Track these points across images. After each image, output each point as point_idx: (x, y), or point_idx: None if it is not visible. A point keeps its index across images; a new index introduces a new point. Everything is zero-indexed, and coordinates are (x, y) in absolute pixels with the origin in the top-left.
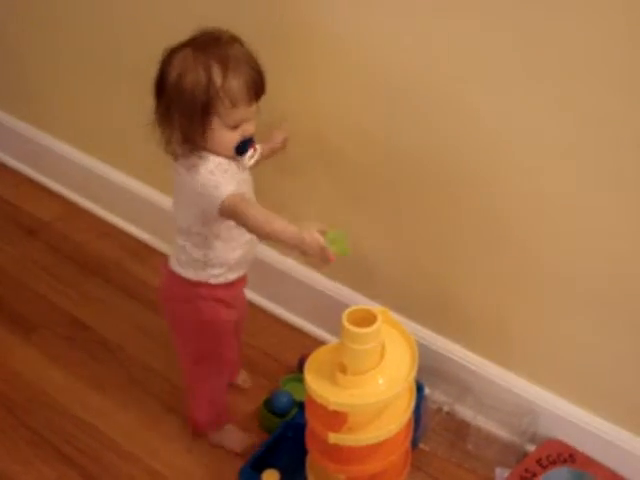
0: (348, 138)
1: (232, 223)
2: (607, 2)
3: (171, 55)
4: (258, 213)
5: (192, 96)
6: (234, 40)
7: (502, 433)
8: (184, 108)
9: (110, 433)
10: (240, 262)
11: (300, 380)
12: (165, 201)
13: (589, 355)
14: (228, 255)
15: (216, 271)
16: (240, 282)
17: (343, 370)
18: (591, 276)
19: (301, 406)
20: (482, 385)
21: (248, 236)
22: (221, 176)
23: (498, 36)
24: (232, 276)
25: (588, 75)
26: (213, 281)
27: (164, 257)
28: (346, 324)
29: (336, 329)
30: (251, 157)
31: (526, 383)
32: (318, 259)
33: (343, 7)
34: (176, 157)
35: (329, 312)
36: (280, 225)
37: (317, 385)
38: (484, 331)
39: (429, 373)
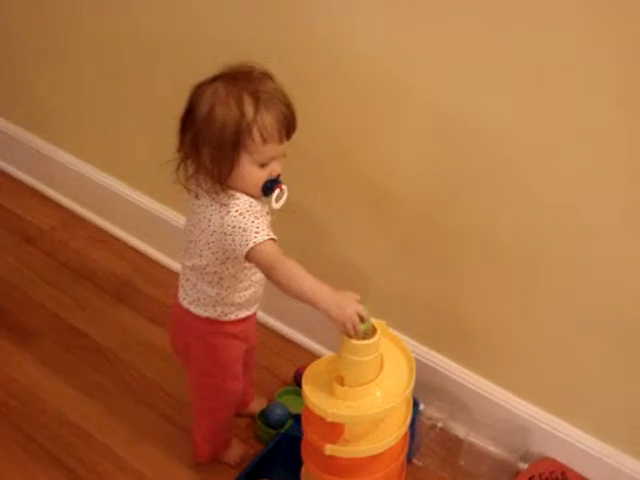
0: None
1: (248, 263)
2: None
3: (201, 89)
4: (292, 268)
5: (222, 129)
6: (265, 75)
7: (495, 450)
8: (213, 141)
9: (106, 441)
10: (251, 300)
11: (295, 393)
12: (164, 212)
13: (583, 374)
14: (240, 293)
15: (228, 309)
16: (251, 317)
17: (341, 382)
18: (588, 298)
19: (296, 418)
20: (476, 402)
21: (260, 274)
22: (253, 219)
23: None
24: (243, 314)
25: None
26: (224, 318)
27: (161, 267)
28: (345, 336)
29: (332, 343)
30: (278, 198)
31: (520, 400)
32: (343, 330)
33: (411, 50)
34: (197, 193)
35: (326, 326)
36: (314, 285)
37: (315, 396)
38: (479, 348)
39: (424, 389)
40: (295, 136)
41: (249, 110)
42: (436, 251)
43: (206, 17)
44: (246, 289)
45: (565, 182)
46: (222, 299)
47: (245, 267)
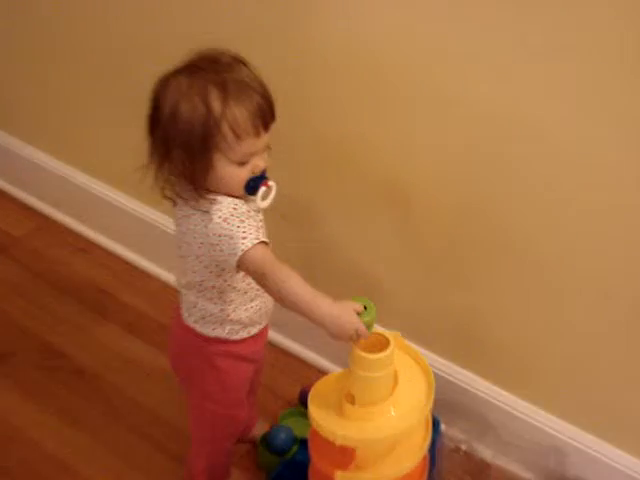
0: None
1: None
2: None
3: (164, 84)
4: (284, 274)
5: (189, 129)
6: (236, 61)
7: (526, 475)
8: (181, 143)
9: (91, 475)
10: (260, 312)
11: (301, 414)
12: (151, 215)
13: (623, 389)
14: (247, 306)
15: (236, 326)
16: (262, 334)
17: (351, 400)
18: (627, 307)
19: (302, 443)
20: (504, 421)
21: None
22: (238, 223)
23: None
24: (254, 329)
25: None
26: (234, 337)
27: (148, 277)
28: (355, 349)
29: (340, 358)
30: (264, 197)
31: (553, 418)
32: (345, 340)
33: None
34: (175, 201)
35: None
36: (308, 294)
37: (322, 417)
38: (506, 361)
39: (445, 407)
40: (297, 128)
41: (216, 104)
42: (458, 256)
43: (178, 5)
44: (252, 300)
45: (607, 185)
46: (228, 316)
47: (245, 276)
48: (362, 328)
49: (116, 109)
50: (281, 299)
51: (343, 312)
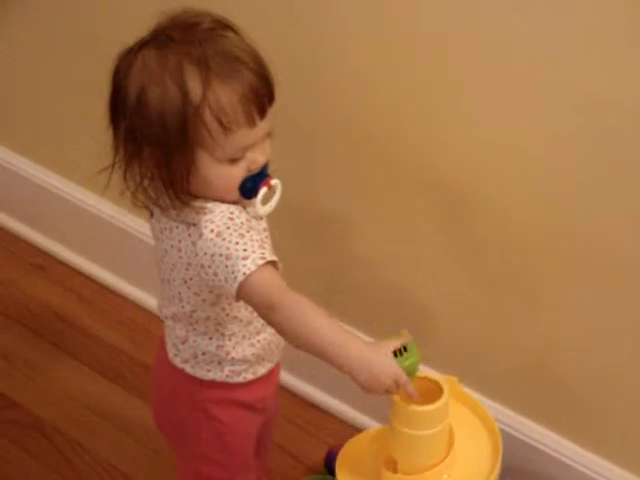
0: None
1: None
2: None
3: (127, 60)
4: (299, 306)
5: (161, 120)
6: (220, 27)
7: None
8: (153, 139)
9: None
10: (270, 347)
11: None
12: (128, 222)
13: None
14: (253, 340)
15: (239, 366)
16: (272, 375)
17: (392, 467)
18: None
19: None
20: None
21: None
22: (237, 239)
23: None
24: (262, 369)
25: None
26: (236, 380)
27: (125, 302)
28: (398, 399)
29: (379, 410)
30: (266, 200)
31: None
32: (381, 394)
33: None
34: (152, 210)
35: None
36: (332, 333)
37: None
38: (598, 418)
39: (515, 473)
40: (317, 113)
41: (194, 87)
42: (532, 281)
43: None
44: (259, 333)
45: None
46: (227, 354)
47: None
48: (403, 377)
49: (83, 93)
50: (295, 338)
51: (376, 357)
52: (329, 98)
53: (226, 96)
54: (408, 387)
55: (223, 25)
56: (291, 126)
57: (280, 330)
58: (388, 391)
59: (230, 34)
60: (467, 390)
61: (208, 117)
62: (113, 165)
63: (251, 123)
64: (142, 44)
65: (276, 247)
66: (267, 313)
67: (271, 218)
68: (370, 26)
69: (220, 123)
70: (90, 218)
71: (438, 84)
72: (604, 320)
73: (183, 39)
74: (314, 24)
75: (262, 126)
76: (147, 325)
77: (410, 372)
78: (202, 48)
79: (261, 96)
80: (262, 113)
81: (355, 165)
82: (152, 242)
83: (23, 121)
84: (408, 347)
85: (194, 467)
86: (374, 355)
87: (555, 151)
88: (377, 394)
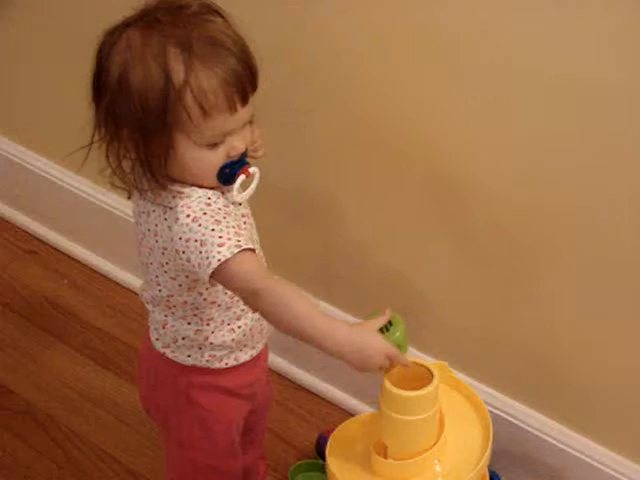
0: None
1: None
2: None
3: (111, 39)
4: (284, 293)
5: (141, 102)
6: (207, 10)
7: None
8: (132, 121)
9: None
10: (252, 333)
11: (318, 468)
12: (122, 207)
13: None
14: (232, 325)
15: (219, 351)
16: (257, 361)
17: (382, 452)
18: None
19: None
20: (583, 475)
21: None
22: (213, 224)
23: None
24: (244, 355)
25: None
26: (216, 365)
27: (118, 288)
28: (388, 384)
29: (371, 395)
30: (244, 187)
31: None
32: (376, 372)
33: None
34: (130, 192)
35: None
36: (317, 318)
37: (344, 473)
38: (594, 402)
39: (506, 458)
40: (312, 97)
41: (177, 70)
42: (523, 264)
43: None
44: (239, 317)
45: None
46: (206, 339)
47: None
48: (393, 350)
49: (73, 72)
50: (282, 324)
51: (364, 337)
52: (322, 82)
53: (208, 81)
54: (400, 359)
55: (210, 9)
56: (284, 110)
57: (266, 316)
58: (382, 368)
59: (217, 19)
60: (458, 374)
61: (189, 101)
62: (90, 144)
63: (232, 109)
64: (127, 24)
65: (268, 231)
66: (251, 300)
67: (264, 203)
68: (366, 9)
69: (201, 107)
70: (84, 203)
71: (432, 71)
72: (599, 306)
73: (169, 21)
74: (307, 6)
75: (243, 113)
76: (139, 311)
77: (400, 344)
78: (187, 31)
79: (243, 83)
80: (244, 100)
81: (349, 150)
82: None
83: (23, 107)
84: (393, 322)
85: (179, 452)
86: (361, 336)
87: (554, 140)
88: (372, 372)
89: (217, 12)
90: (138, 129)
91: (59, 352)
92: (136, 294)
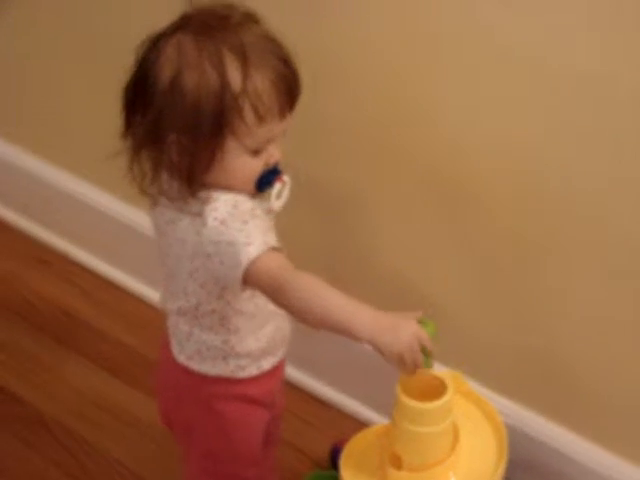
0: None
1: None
2: None
3: (156, 45)
4: (309, 284)
5: (197, 107)
6: (249, 19)
7: None
8: (183, 126)
9: None
10: (275, 341)
11: (333, 479)
12: (134, 217)
13: None
14: (258, 334)
15: (243, 360)
16: (277, 370)
17: (397, 463)
18: None
19: None
20: None
21: None
22: (240, 225)
23: None
24: (268, 364)
25: None
26: (241, 375)
27: (131, 298)
28: (402, 396)
29: (385, 405)
30: (279, 195)
31: None
32: (407, 360)
33: None
34: (157, 201)
35: (375, 381)
36: (346, 304)
37: None
38: (610, 413)
39: (522, 469)
40: (329, 97)
41: (235, 75)
42: (534, 271)
43: None
44: (263, 326)
45: None
46: (232, 348)
47: (254, 295)
48: (425, 336)
49: (90, 85)
50: (309, 315)
51: (396, 319)
52: (334, 85)
53: (263, 85)
54: (428, 342)
55: (251, 17)
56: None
57: (293, 310)
58: (413, 356)
59: (257, 26)
60: (471, 383)
61: (246, 106)
62: (132, 154)
63: (282, 114)
64: (174, 29)
65: (280, 229)
66: (277, 296)
67: None
68: (371, 11)
69: (256, 112)
70: (94, 213)
71: (441, 75)
72: (610, 309)
73: (219, 26)
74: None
75: (288, 119)
76: (151, 319)
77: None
78: (239, 37)
79: (293, 87)
80: (292, 105)
81: (357, 153)
82: (152, 235)
83: (38, 120)
84: (421, 320)
85: (204, 464)
86: (392, 318)
87: (558, 138)
88: (396, 358)
89: (256, 21)
90: (187, 134)
91: (73, 362)
92: (149, 304)
